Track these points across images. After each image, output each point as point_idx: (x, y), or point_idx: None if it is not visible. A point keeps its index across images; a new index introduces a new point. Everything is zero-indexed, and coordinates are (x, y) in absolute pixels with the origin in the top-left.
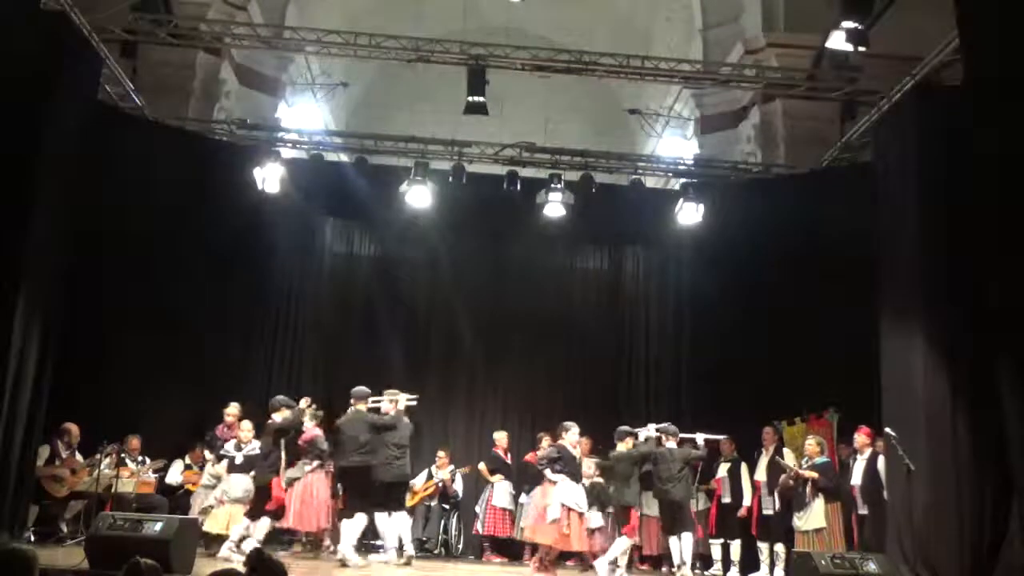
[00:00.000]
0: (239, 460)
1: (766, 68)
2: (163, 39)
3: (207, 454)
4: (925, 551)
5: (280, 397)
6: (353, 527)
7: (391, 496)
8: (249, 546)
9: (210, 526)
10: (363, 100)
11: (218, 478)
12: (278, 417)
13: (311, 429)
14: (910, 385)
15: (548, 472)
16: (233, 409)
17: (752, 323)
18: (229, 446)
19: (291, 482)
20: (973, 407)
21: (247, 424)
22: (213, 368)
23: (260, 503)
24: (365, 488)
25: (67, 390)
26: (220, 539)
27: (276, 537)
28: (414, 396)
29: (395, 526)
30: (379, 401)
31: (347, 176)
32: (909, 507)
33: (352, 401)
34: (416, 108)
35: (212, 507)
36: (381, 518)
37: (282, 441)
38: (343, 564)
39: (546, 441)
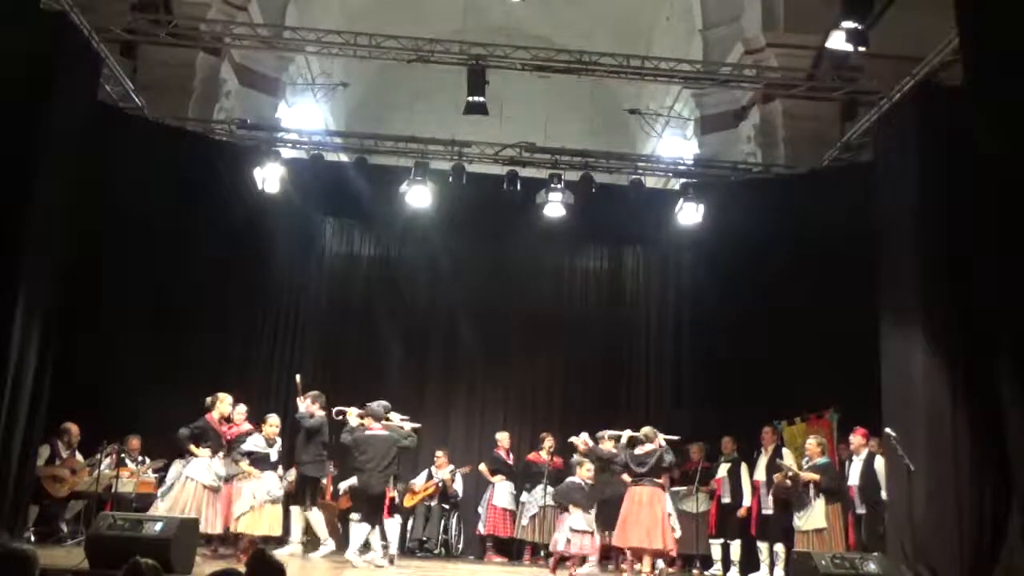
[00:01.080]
0: (274, 457)
1: (766, 68)
2: (163, 39)
3: (193, 448)
4: (925, 551)
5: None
6: (394, 527)
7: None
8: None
9: (256, 528)
10: (363, 100)
11: (225, 478)
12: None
13: (247, 427)
14: (910, 385)
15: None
16: (229, 401)
17: (752, 323)
18: (259, 442)
19: (228, 479)
20: (973, 407)
21: (275, 419)
22: (213, 368)
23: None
24: (382, 501)
25: (67, 390)
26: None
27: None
28: (416, 424)
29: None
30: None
31: (347, 176)
32: (909, 507)
33: (384, 419)
34: (416, 108)
35: (253, 508)
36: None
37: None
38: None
39: (549, 441)
